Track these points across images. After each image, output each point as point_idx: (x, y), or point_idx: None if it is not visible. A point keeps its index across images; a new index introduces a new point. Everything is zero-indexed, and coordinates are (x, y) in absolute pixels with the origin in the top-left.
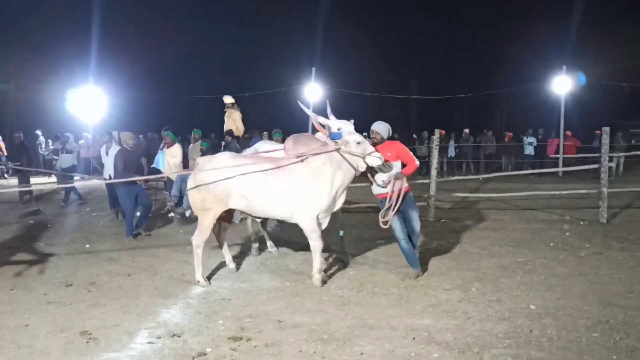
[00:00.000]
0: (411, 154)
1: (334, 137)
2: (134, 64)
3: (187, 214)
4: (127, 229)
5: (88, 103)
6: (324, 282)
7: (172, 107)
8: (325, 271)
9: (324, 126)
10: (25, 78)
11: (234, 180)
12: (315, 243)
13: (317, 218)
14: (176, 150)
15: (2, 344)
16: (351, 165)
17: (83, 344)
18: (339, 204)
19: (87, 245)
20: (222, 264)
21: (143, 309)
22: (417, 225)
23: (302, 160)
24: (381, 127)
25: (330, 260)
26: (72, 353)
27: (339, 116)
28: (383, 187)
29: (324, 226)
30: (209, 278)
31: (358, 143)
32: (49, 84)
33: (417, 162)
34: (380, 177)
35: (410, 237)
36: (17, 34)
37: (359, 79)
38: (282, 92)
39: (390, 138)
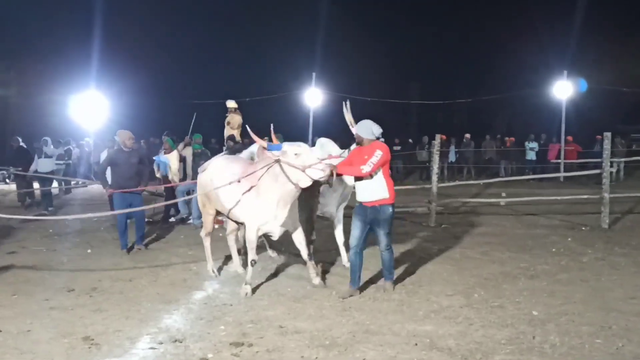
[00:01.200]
0: (373, 159)
1: (272, 148)
2: (135, 69)
3: (190, 220)
4: (120, 241)
5: (89, 108)
6: (252, 292)
7: (174, 112)
8: (323, 276)
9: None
10: (28, 84)
11: (214, 184)
12: (248, 254)
13: (258, 230)
14: (173, 157)
15: (5, 350)
16: (289, 178)
17: (85, 349)
18: (281, 218)
19: (89, 251)
20: (223, 269)
21: (145, 314)
22: (382, 243)
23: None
24: (360, 128)
25: (336, 266)
26: (74, 359)
27: (338, 122)
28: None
29: (275, 237)
30: (209, 284)
31: (296, 155)
32: (50, 89)
33: (364, 169)
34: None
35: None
36: (20, 40)
37: (359, 84)
38: (283, 97)
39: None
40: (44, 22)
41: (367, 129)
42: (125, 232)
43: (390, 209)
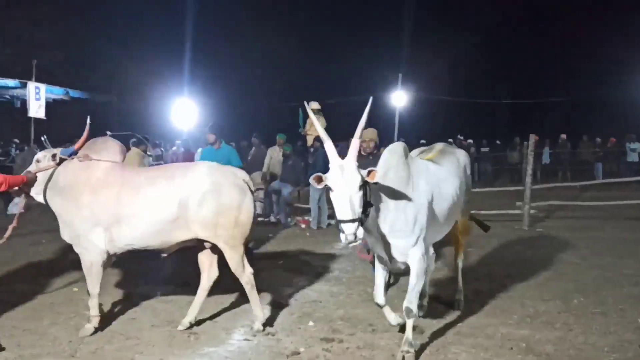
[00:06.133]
0: None
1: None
2: (223, 75)
3: (272, 218)
4: None
5: (182, 114)
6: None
7: (261, 115)
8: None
9: None
10: (127, 91)
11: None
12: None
13: None
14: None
15: (112, 334)
16: None
17: (185, 337)
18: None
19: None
20: (314, 268)
21: (239, 307)
22: None
23: None
24: None
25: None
26: (175, 346)
27: (424, 123)
28: None
29: None
30: (299, 280)
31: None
32: (148, 96)
33: None
34: None
35: None
36: (120, 50)
37: (447, 84)
38: (369, 98)
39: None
40: (141, 34)
41: None
42: None
43: None
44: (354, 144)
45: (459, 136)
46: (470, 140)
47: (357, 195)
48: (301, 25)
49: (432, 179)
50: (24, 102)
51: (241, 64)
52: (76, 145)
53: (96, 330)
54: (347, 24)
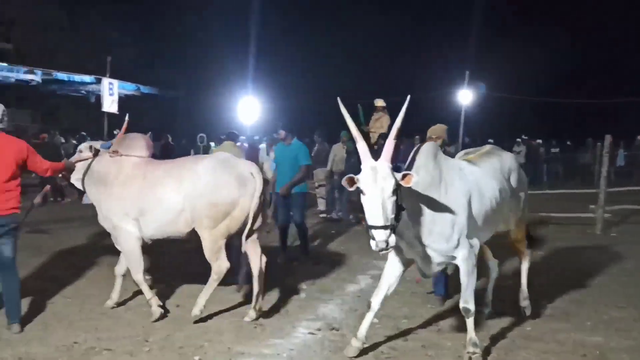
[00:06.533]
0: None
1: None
2: (285, 73)
3: (334, 215)
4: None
5: (247, 110)
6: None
7: (324, 112)
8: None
9: None
10: (193, 88)
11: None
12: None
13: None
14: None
15: (182, 322)
16: None
17: (251, 328)
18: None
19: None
20: (376, 266)
21: (303, 301)
22: None
23: None
24: None
25: None
26: (242, 336)
27: (495, 124)
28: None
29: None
30: (362, 278)
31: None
32: (213, 93)
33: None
34: None
35: None
36: (188, 49)
37: (515, 82)
38: (435, 95)
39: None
40: (208, 33)
41: None
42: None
43: None
44: (389, 144)
45: (523, 136)
46: (539, 141)
47: (390, 200)
48: (366, 22)
49: (467, 178)
50: (98, 97)
51: (304, 62)
52: (115, 140)
53: (165, 314)
54: (415, 22)
